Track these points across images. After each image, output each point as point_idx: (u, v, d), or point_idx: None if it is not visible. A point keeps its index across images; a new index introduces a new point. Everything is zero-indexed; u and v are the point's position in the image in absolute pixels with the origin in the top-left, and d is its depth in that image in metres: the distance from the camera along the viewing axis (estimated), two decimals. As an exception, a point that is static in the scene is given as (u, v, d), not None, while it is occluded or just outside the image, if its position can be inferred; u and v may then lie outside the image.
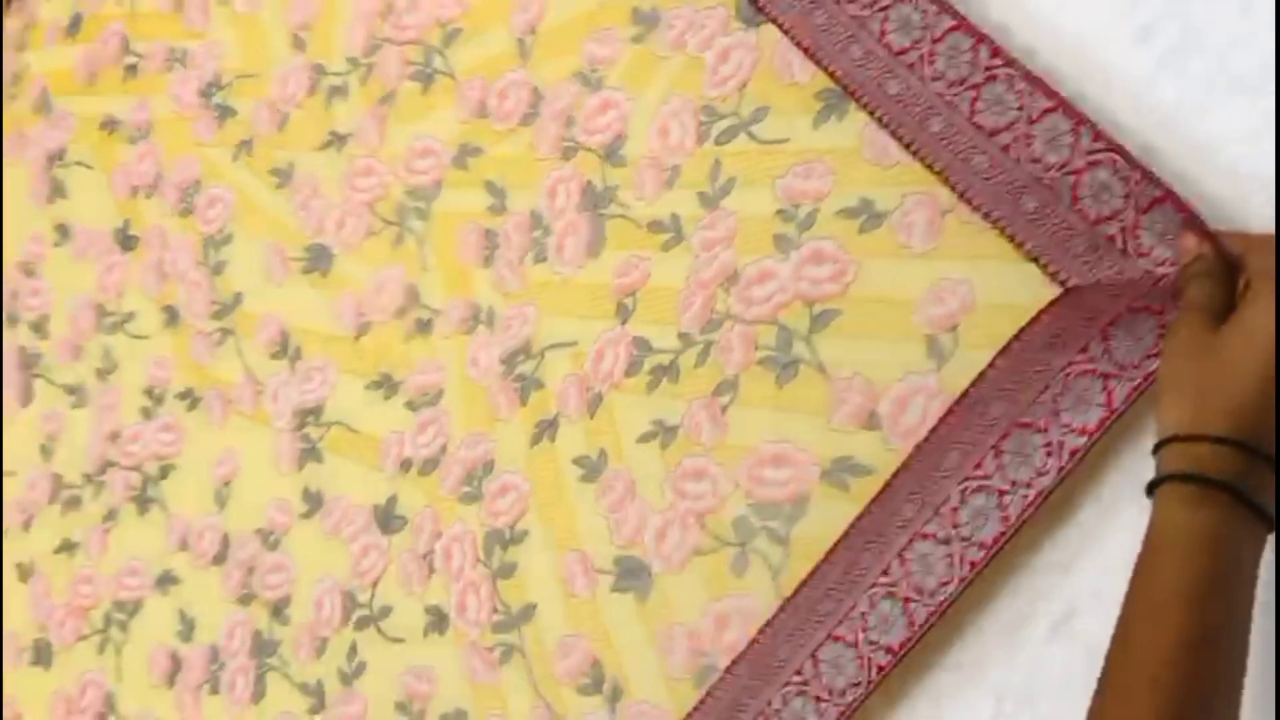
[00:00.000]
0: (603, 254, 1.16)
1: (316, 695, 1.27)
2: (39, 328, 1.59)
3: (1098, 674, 0.76)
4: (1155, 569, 0.77)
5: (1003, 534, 0.93)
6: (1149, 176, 0.91)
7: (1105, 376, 0.90)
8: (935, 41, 1.01)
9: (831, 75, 1.06)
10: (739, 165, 1.10)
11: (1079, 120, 0.94)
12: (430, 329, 1.26)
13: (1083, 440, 0.91)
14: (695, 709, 1.05)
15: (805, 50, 1.07)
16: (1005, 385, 0.95)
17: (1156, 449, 0.80)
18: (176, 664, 1.39)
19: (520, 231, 1.22)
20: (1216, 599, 0.74)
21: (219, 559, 1.37)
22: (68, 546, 1.51)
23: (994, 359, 0.96)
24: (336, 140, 1.36)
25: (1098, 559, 0.93)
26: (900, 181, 1.02)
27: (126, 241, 1.53)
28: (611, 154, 1.17)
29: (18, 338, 1.61)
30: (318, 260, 1.36)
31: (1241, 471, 0.75)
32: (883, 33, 1.03)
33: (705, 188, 1.11)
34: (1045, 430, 0.93)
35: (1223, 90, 0.92)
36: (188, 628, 1.39)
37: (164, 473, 1.44)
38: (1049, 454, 0.92)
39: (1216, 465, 0.76)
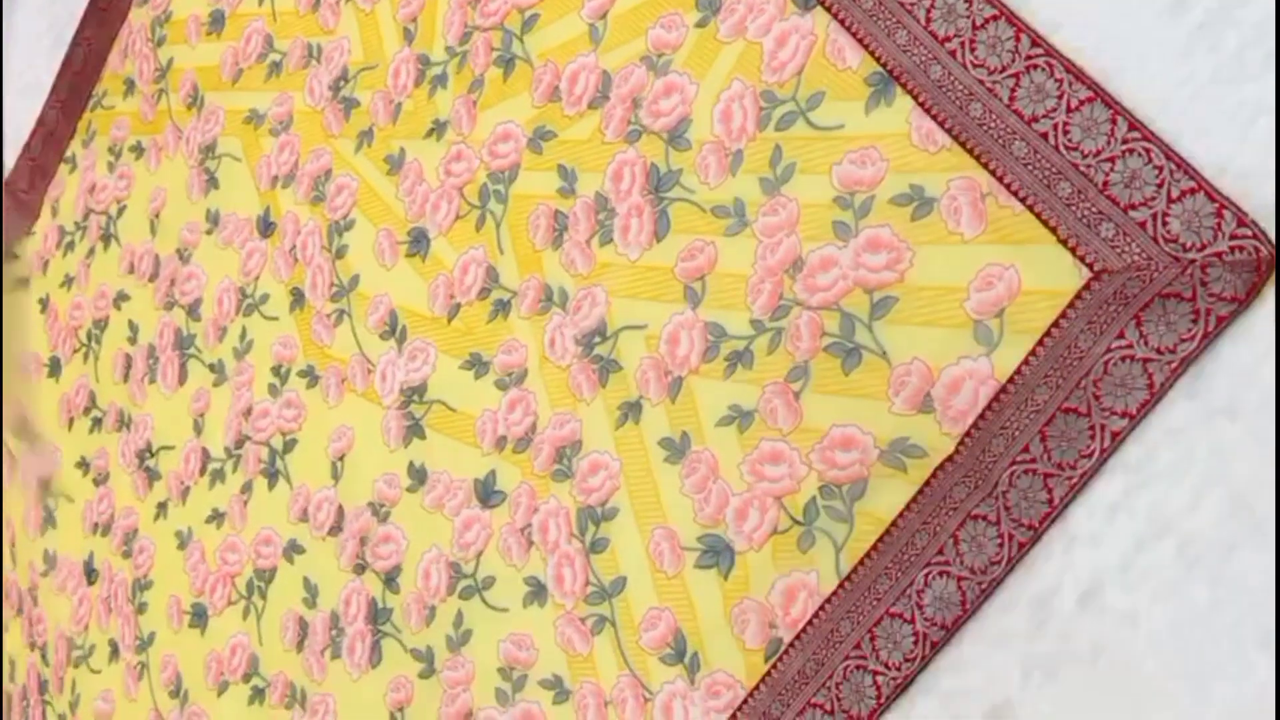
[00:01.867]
0: (668, 237, 1.18)
1: (427, 660, 1.33)
2: (192, 311, 1.68)
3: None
4: None
5: (1049, 515, 0.95)
6: (1183, 167, 0.91)
7: (1145, 361, 0.91)
8: (976, 29, 1.01)
9: (878, 59, 1.07)
10: (798, 151, 1.11)
11: (1117, 110, 0.94)
12: (509, 310, 1.30)
13: (1124, 423, 0.92)
14: (763, 679, 1.09)
15: (854, 34, 1.08)
16: (1048, 371, 0.95)
17: None
18: (304, 629, 1.46)
19: (587, 214, 1.25)
20: None
21: (335, 530, 1.44)
22: (216, 516, 1.59)
23: (1035, 346, 0.96)
24: (438, 128, 1.40)
25: (1126, 532, 0.92)
26: (946, 166, 1.02)
27: (266, 228, 1.60)
28: (676, 138, 1.19)
29: (174, 321, 1.69)
30: (418, 243, 1.40)
31: None
32: (928, 19, 1.04)
33: (767, 173, 1.12)
34: (1087, 414, 0.93)
35: (1256, 63, 0.90)
36: (312, 595, 1.46)
37: (288, 447, 1.51)
38: (1092, 437, 0.93)
39: None
